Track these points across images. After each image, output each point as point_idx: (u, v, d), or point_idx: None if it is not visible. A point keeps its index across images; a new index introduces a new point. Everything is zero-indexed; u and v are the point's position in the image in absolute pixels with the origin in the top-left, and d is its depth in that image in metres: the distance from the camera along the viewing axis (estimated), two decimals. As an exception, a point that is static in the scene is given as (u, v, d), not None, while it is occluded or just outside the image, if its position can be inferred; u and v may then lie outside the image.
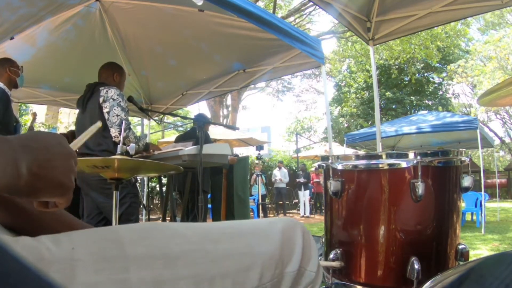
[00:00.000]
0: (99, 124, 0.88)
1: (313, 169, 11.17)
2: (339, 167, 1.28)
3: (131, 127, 2.35)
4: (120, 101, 2.26)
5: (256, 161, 7.26)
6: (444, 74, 19.86)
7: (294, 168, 13.17)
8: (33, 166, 0.40)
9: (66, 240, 0.45)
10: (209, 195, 4.47)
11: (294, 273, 0.55)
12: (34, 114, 3.32)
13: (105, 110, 2.25)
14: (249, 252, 0.53)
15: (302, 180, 10.46)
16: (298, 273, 0.56)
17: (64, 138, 0.47)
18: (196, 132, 3.44)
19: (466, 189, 1.26)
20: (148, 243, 0.48)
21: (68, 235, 0.47)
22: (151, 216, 5.92)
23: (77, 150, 0.72)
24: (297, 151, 13.64)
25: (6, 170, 0.38)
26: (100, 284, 0.42)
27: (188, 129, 4.59)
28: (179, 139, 3.60)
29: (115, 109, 2.22)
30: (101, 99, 2.26)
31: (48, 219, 0.56)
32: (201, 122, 2.41)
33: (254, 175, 6.81)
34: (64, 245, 0.44)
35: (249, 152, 12.22)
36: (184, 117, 3.75)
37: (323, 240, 1.44)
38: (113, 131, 2.22)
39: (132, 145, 2.17)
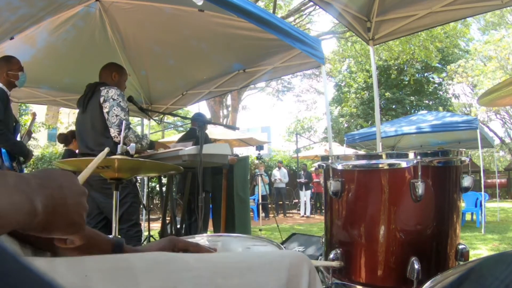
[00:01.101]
0: (106, 150, 0.91)
1: (313, 169, 11.17)
2: (339, 167, 1.28)
3: (131, 127, 2.35)
4: (120, 101, 2.26)
5: (256, 161, 7.26)
6: (444, 74, 19.86)
7: (294, 168, 13.17)
8: (49, 204, 0.42)
9: (79, 266, 0.46)
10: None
11: None
12: (34, 114, 3.31)
13: (105, 110, 2.25)
14: (257, 287, 0.54)
15: (303, 180, 10.47)
16: None
17: (75, 177, 0.49)
18: (196, 132, 3.44)
19: (466, 189, 1.26)
20: (160, 276, 0.49)
21: (82, 261, 0.47)
22: (151, 216, 5.92)
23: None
24: (297, 151, 13.63)
25: (24, 207, 0.39)
26: None
27: (188, 129, 4.59)
28: (180, 141, 3.60)
29: (114, 109, 2.22)
30: (101, 99, 2.26)
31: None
32: (201, 122, 2.41)
33: (255, 175, 6.79)
34: (77, 271, 0.45)
35: (249, 152, 12.23)
36: (184, 117, 3.75)
37: (323, 240, 1.44)
38: (112, 131, 2.22)
39: (133, 145, 2.17)
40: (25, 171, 2.84)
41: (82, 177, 0.67)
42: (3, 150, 2.39)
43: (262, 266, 0.57)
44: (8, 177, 0.39)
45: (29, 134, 2.93)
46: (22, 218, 0.39)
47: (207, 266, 0.53)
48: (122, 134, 2.02)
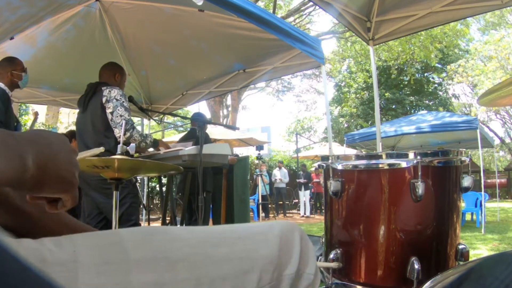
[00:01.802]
0: (102, 149, 0.91)
1: (313, 169, 11.18)
2: (339, 167, 1.28)
3: (135, 126, 2.35)
4: (123, 101, 2.26)
5: (257, 161, 7.26)
6: (444, 74, 19.86)
7: (294, 168, 13.17)
8: (39, 160, 0.41)
9: (68, 242, 0.45)
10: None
11: (293, 275, 0.56)
12: (36, 114, 3.31)
13: (108, 111, 2.24)
14: (248, 256, 0.54)
15: (302, 180, 10.47)
16: (296, 275, 0.57)
17: (66, 138, 0.48)
18: (196, 132, 3.44)
19: (466, 189, 1.26)
20: (150, 246, 0.48)
21: (70, 238, 0.47)
22: (151, 216, 5.92)
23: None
24: (297, 151, 13.63)
25: (14, 163, 0.39)
26: (102, 287, 0.42)
27: (188, 129, 4.59)
28: (181, 141, 3.60)
29: (118, 110, 2.22)
30: (103, 99, 2.25)
31: (50, 222, 0.56)
32: (201, 122, 2.41)
33: (258, 175, 6.80)
34: (66, 247, 0.44)
35: (249, 152, 12.23)
36: (184, 117, 3.75)
37: (323, 240, 1.44)
38: (117, 132, 2.22)
39: (132, 145, 2.17)
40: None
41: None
42: None
43: (252, 236, 0.57)
44: None
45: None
46: (13, 174, 0.38)
47: (197, 236, 0.53)
48: (122, 134, 2.02)
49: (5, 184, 0.39)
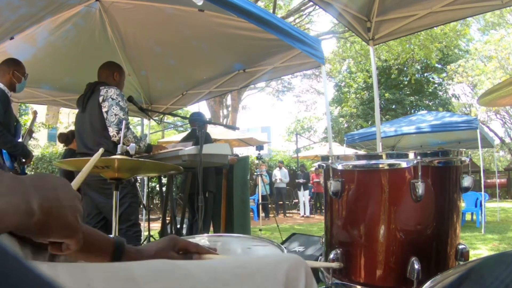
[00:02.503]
0: (101, 151, 0.91)
1: (313, 169, 11.18)
2: (339, 167, 1.28)
3: (131, 127, 2.35)
4: (119, 101, 2.25)
5: (257, 161, 7.26)
6: (444, 74, 19.86)
7: (294, 168, 13.17)
8: (44, 205, 0.43)
9: (81, 274, 0.46)
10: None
11: None
12: (35, 113, 3.31)
13: (104, 110, 2.25)
14: None
15: (301, 180, 10.47)
16: None
17: (68, 182, 0.50)
18: (197, 132, 3.44)
19: (466, 189, 1.26)
20: (161, 284, 0.49)
21: (84, 269, 0.48)
22: (151, 216, 5.91)
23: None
24: (297, 151, 13.64)
25: (20, 208, 0.40)
26: None
27: (189, 129, 4.59)
28: (182, 142, 3.60)
29: (113, 108, 2.22)
30: (100, 98, 2.26)
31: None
32: (201, 122, 2.41)
33: (258, 175, 6.79)
34: (79, 279, 0.45)
35: (249, 152, 12.23)
36: (184, 117, 3.76)
37: (323, 240, 1.44)
38: (111, 130, 2.22)
39: (132, 145, 2.17)
40: (26, 171, 2.84)
41: (76, 183, 0.68)
42: (4, 151, 2.39)
43: (261, 271, 0.58)
44: (3, 177, 0.40)
45: (30, 133, 2.93)
46: (19, 219, 0.39)
47: (208, 273, 0.54)
48: (122, 133, 2.01)
49: (11, 228, 0.40)
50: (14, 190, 0.40)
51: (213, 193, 3.81)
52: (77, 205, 0.48)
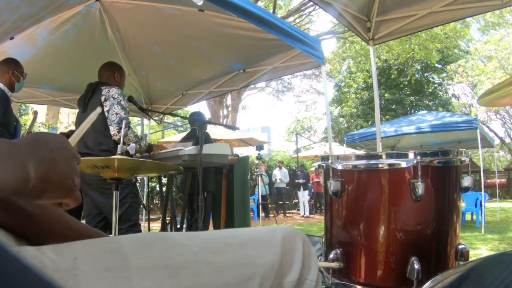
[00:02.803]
0: (98, 110, 0.89)
1: (313, 169, 11.18)
2: (339, 167, 1.28)
3: (131, 126, 2.35)
4: (120, 100, 2.26)
5: (256, 161, 7.26)
6: (444, 74, 19.87)
7: (294, 168, 13.18)
8: (41, 169, 0.42)
9: (68, 250, 0.45)
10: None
11: (294, 282, 0.56)
12: (35, 113, 3.31)
13: (105, 109, 2.25)
14: (249, 262, 0.53)
15: (301, 180, 10.47)
16: (298, 282, 0.56)
17: (67, 140, 0.49)
18: (197, 132, 3.44)
19: (466, 189, 1.26)
20: (151, 253, 0.48)
21: (70, 246, 0.47)
22: (151, 216, 5.91)
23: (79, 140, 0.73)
24: (297, 151, 13.64)
25: (16, 173, 0.39)
26: None
27: (189, 129, 4.59)
28: (182, 142, 3.60)
29: (114, 108, 2.22)
30: (102, 98, 2.26)
31: (52, 222, 0.56)
32: (201, 122, 2.41)
33: (255, 175, 6.82)
34: (66, 255, 0.44)
35: (249, 152, 12.23)
36: (184, 117, 3.76)
37: (323, 240, 1.44)
38: (112, 129, 2.22)
39: (132, 145, 2.17)
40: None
41: (73, 139, 0.66)
42: None
43: (254, 241, 0.56)
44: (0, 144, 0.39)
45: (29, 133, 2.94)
46: (16, 184, 0.39)
47: (197, 243, 0.53)
48: (122, 132, 2.01)
49: (9, 194, 0.39)
50: (10, 156, 0.39)
51: (212, 193, 3.80)
52: (74, 165, 0.47)
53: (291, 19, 13.61)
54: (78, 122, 2.48)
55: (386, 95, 18.56)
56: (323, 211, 1.51)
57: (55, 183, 0.44)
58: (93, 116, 0.83)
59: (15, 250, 0.43)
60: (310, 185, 10.79)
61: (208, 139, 3.53)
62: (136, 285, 0.44)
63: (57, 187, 0.44)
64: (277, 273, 0.54)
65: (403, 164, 1.16)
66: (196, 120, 3.21)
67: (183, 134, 5.35)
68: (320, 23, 52.77)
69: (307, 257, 0.58)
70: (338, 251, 1.26)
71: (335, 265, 1.23)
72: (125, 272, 0.45)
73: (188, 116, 3.83)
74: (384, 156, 1.21)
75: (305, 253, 0.58)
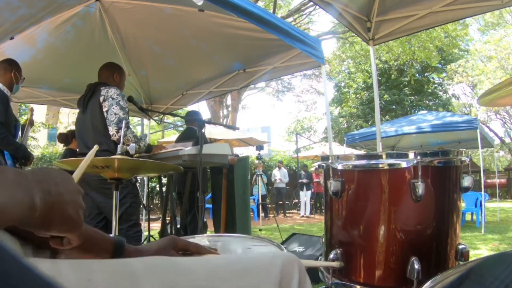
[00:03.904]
0: (96, 148, 0.93)
1: (313, 169, 11.18)
2: (339, 167, 1.28)
3: (131, 126, 2.35)
4: (119, 100, 2.26)
5: (256, 161, 7.26)
6: (444, 74, 19.87)
7: (294, 168, 13.17)
8: (46, 200, 0.43)
9: (83, 268, 0.47)
10: (209, 195, 4.47)
11: None
12: (32, 110, 3.32)
13: (104, 109, 2.25)
14: None
15: (305, 180, 10.46)
16: None
17: (71, 176, 0.51)
18: (194, 132, 3.44)
19: (466, 189, 1.26)
20: (160, 278, 0.50)
21: (85, 264, 0.49)
22: (151, 216, 5.91)
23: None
24: (297, 151, 13.64)
25: (23, 202, 0.40)
26: None
27: (180, 127, 4.58)
28: (178, 140, 3.59)
29: (113, 108, 2.23)
30: (101, 98, 2.26)
31: None
32: (201, 122, 2.41)
33: (255, 175, 6.83)
34: (81, 273, 0.46)
35: (249, 152, 12.23)
36: (184, 117, 3.75)
37: (323, 240, 1.44)
38: (111, 129, 2.22)
39: (132, 145, 2.17)
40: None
41: (75, 177, 0.68)
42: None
43: (257, 268, 0.59)
44: (7, 172, 0.40)
45: (31, 122, 2.95)
46: (22, 213, 0.40)
47: (205, 269, 0.55)
48: (122, 133, 2.02)
49: (14, 222, 0.40)
50: (18, 185, 0.40)
51: (206, 192, 3.81)
52: (79, 200, 0.49)
53: (291, 19, 13.61)
54: (78, 123, 2.48)
55: (385, 96, 18.56)
56: (323, 211, 1.51)
57: (61, 215, 0.45)
58: (90, 154, 0.86)
59: (30, 262, 0.44)
60: (311, 185, 10.79)
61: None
62: None
63: (62, 219, 0.46)
64: None
65: (403, 164, 1.16)
66: (195, 120, 3.21)
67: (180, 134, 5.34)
68: (320, 23, 52.78)
69: (303, 283, 0.62)
70: (338, 251, 1.26)
71: (336, 264, 1.23)
72: None
73: (185, 115, 3.83)
74: (384, 156, 1.21)
75: (301, 280, 0.62)
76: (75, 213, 0.48)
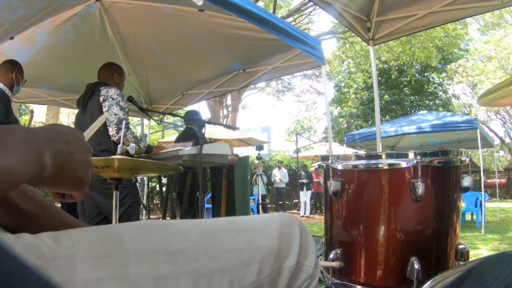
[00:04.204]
0: (106, 114, 0.91)
1: (313, 169, 11.18)
2: (339, 167, 1.28)
3: (131, 127, 2.35)
4: (119, 101, 2.26)
5: (256, 161, 7.26)
6: (444, 74, 19.86)
7: (294, 168, 13.17)
8: (57, 159, 0.43)
9: (65, 237, 0.45)
10: (209, 195, 4.47)
11: (292, 268, 0.56)
12: (32, 112, 3.32)
13: (104, 109, 2.25)
14: (248, 248, 0.53)
15: (305, 180, 10.46)
16: (296, 268, 0.57)
17: (82, 134, 0.50)
18: (193, 132, 3.44)
19: (466, 189, 1.26)
20: (148, 239, 0.48)
21: (68, 233, 0.47)
22: (151, 216, 5.91)
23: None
24: (297, 151, 13.63)
25: (33, 162, 0.40)
26: (100, 280, 0.42)
27: (180, 127, 4.58)
28: (178, 140, 3.59)
29: (113, 108, 2.23)
30: (101, 98, 2.26)
31: (52, 223, 0.56)
32: (201, 121, 2.41)
33: (255, 175, 6.84)
34: (64, 242, 0.44)
35: (249, 152, 12.23)
36: (184, 117, 3.75)
37: (323, 240, 1.44)
38: (111, 130, 2.22)
39: (132, 145, 2.17)
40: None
41: (86, 135, 0.68)
42: None
43: (253, 228, 0.57)
44: (18, 131, 0.40)
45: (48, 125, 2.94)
46: (32, 173, 0.40)
47: (196, 229, 0.53)
48: (122, 133, 2.01)
49: (25, 181, 0.40)
50: (28, 144, 0.40)
51: (206, 192, 3.81)
52: (88, 159, 0.48)
53: (291, 19, 13.61)
54: (78, 123, 2.48)
55: (385, 96, 18.56)
56: (323, 211, 1.51)
57: (70, 174, 0.45)
58: (102, 119, 0.84)
59: (13, 237, 0.43)
60: (311, 185, 10.79)
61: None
62: (133, 271, 0.44)
63: (71, 178, 0.45)
64: (275, 258, 0.54)
65: (403, 164, 1.16)
66: (195, 120, 3.21)
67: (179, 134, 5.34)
68: (320, 23, 52.79)
69: (304, 243, 0.59)
70: (338, 251, 1.26)
71: (336, 264, 1.23)
72: (122, 258, 0.45)
73: (184, 115, 3.83)
74: (384, 156, 1.21)
75: (302, 239, 0.59)
76: (85, 172, 0.47)
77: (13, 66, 2.45)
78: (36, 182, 0.42)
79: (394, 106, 19.22)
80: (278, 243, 0.55)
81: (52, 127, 0.46)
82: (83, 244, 0.45)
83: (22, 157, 0.38)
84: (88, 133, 0.70)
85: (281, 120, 56.29)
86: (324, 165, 1.34)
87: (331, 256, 1.25)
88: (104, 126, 2.26)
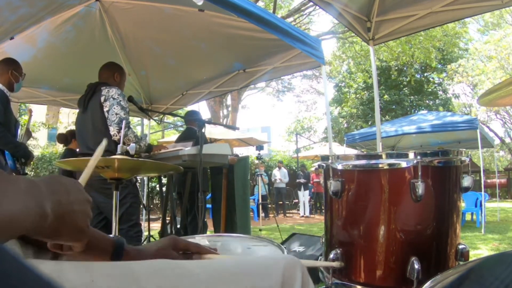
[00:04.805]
0: (104, 143, 0.92)
1: (313, 169, 11.18)
2: (339, 167, 1.28)
3: (131, 126, 2.35)
4: (120, 100, 2.26)
5: (256, 161, 7.26)
6: (444, 74, 19.86)
7: (294, 168, 13.17)
8: (57, 209, 0.44)
9: (85, 270, 0.48)
10: (209, 195, 4.47)
11: None
12: (30, 111, 3.32)
13: (105, 109, 2.25)
14: None
15: (302, 180, 10.47)
16: None
17: (81, 184, 0.53)
18: (194, 132, 3.44)
19: (466, 189, 1.26)
20: (162, 280, 0.51)
21: (88, 266, 0.49)
22: (151, 216, 5.91)
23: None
24: (297, 151, 13.64)
25: (35, 212, 0.41)
26: None
27: (180, 127, 4.58)
28: (178, 141, 3.59)
29: (114, 108, 2.23)
30: (102, 98, 2.26)
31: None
32: (201, 121, 2.41)
33: (256, 175, 6.84)
34: (84, 276, 0.47)
35: (249, 152, 12.23)
36: (184, 117, 3.75)
37: (323, 240, 1.44)
38: (112, 129, 2.22)
39: (133, 145, 2.17)
40: (26, 171, 2.85)
41: (83, 180, 0.68)
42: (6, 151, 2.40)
43: (259, 271, 0.59)
44: (20, 182, 0.41)
45: (28, 133, 2.94)
46: (33, 223, 0.41)
47: (206, 272, 0.55)
48: (122, 132, 2.01)
49: (25, 232, 0.41)
50: (30, 194, 0.41)
51: (206, 192, 3.81)
52: (88, 209, 0.50)
53: (291, 19, 13.60)
54: (78, 122, 2.48)
55: (385, 96, 18.56)
56: (323, 211, 1.51)
57: (70, 225, 0.47)
58: (98, 154, 0.85)
59: (35, 263, 0.45)
60: (310, 185, 10.80)
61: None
62: None
63: (72, 229, 0.47)
64: None
65: (403, 164, 1.16)
66: (195, 120, 3.21)
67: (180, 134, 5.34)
68: (320, 23, 52.80)
69: (306, 287, 0.62)
70: (338, 251, 1.26)
71: (336, 264, 1.23)
72: None
73: (184, 115, 3.83)
74: (384, 156, 1.21)
75: (304, 283, 0.62)
76: (84, 223, 0.49)
77: (8, 65, 2.44)
78: (38, 232, 0.43)
79: (394, 106, 19.22)
80: (281, 286, 0.59)
81: (52, 179, 0.47)
82: (102, 281, 0.47)
83: (24, 207, 0.40)
84: (84, 178, 0.71)
85: (281, 120, 56.28)
86: (324, 165, 1.34)
87: (331, 256, 1.25)
88: (105, 126, 2.26)
